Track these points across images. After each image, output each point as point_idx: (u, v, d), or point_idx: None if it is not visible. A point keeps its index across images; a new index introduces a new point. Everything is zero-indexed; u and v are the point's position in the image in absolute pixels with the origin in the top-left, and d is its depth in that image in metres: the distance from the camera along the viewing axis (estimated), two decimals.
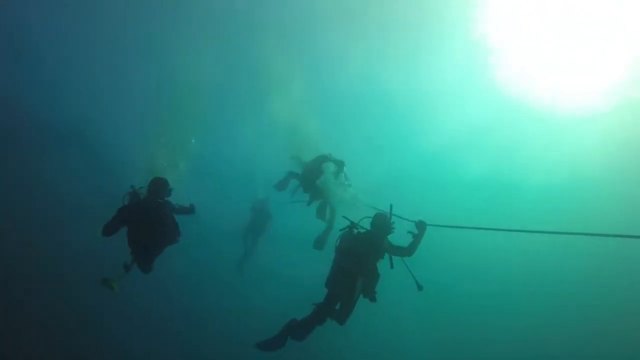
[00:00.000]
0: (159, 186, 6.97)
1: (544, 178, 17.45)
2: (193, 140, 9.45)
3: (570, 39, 16.24)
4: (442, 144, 17.60)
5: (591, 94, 16.37)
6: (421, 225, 6.47)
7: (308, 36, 15.75)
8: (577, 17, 15.56)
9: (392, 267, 6.63)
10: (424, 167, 17.74)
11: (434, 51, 16.64)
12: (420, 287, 6.62)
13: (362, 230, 6.79)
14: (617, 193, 16.48)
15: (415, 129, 17.59)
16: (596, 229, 4.63)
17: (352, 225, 6.81)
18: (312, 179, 9.25)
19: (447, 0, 15.41)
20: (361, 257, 6.52)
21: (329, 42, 16.07)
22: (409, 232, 6.50)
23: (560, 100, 16.91)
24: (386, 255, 6.71)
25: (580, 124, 16.87)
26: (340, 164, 9.01)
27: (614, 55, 15.73)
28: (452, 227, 6.37)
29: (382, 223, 6.62)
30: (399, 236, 6.59)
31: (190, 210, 7.58)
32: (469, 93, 17.44)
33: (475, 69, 17.07)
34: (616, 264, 16.04)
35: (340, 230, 7.01)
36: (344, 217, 7.01)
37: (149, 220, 6.84)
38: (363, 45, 16.35)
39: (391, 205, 6.76)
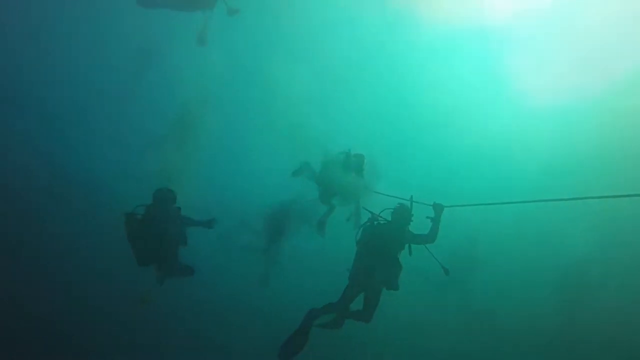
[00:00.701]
0: (163, 196, 7.08)
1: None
2: None
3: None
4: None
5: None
6: (437, 208, 6.56)
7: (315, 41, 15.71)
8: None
9: (410, 254, 6.69)
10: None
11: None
12: (446, 271, 6.67)
13: (382, 222, 6.86)
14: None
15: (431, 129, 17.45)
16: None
17: (373, 217, 6.88)
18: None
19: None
20: (382, 249, 6.60)
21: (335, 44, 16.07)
22: (427, 217, 6.60)
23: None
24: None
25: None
26: (360, 158, 8.67)
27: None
28: (467, 205, 6.69)
29: (402, 213, 6.74)
30: (421, 224, 6.64)
31: (204, 223, 7.60)
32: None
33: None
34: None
35: (361, 225, 7.09)
36: (364, 208, 7.14)
37: (154, 227, 6.86)
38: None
39: (412, 197, 6.85)
